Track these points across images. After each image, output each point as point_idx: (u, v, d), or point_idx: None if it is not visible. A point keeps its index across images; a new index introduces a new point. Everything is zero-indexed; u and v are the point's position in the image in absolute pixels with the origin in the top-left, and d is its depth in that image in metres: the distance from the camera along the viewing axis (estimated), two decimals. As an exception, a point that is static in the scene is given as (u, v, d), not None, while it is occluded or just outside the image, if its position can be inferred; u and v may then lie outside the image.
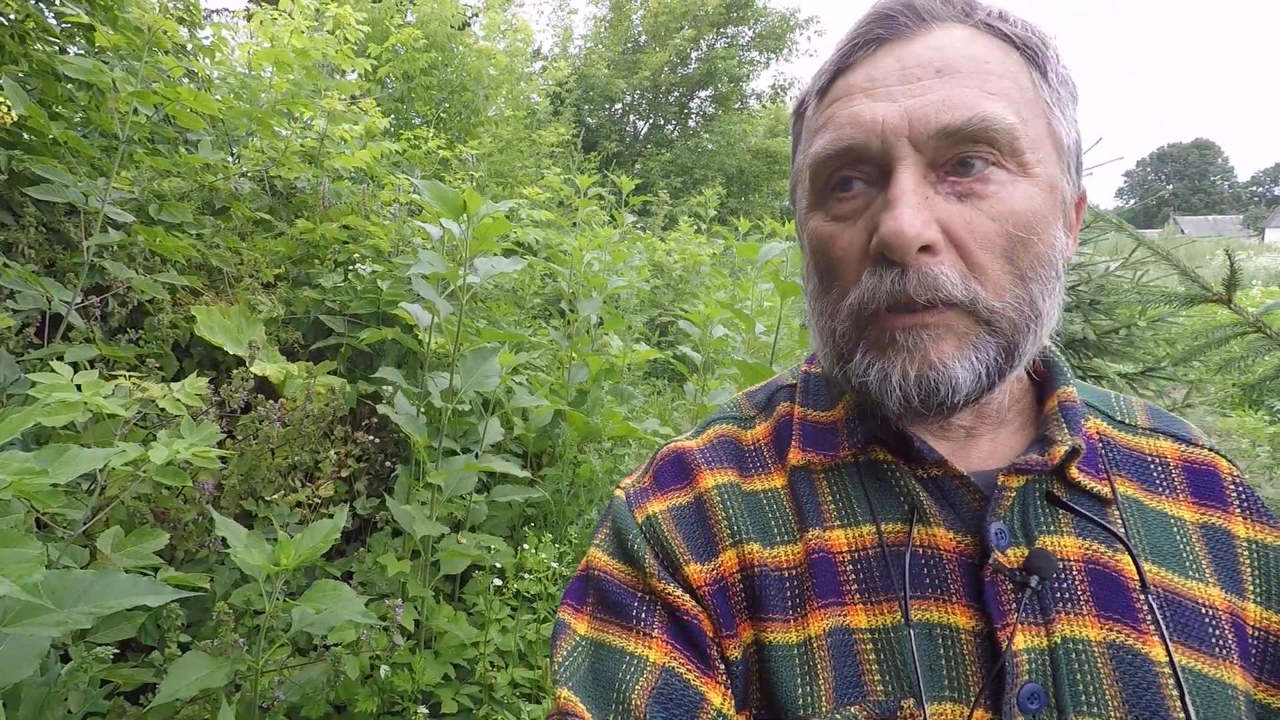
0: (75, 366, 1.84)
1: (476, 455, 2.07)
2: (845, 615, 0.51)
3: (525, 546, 2.09)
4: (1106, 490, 0.54)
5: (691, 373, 3.37)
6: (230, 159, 2.74)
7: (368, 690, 1.75)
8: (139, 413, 1.51)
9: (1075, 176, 0.54)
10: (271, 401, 1.91)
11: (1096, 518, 0.53)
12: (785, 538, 0.54)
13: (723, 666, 0.52)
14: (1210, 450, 0.59)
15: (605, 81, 11.11)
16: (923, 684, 0.47)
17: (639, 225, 5.94)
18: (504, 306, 3.52)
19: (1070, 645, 0.48)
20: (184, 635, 1.52)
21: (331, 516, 2.16)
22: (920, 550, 0.51)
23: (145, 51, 1.70)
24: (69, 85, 2.16)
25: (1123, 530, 0.53)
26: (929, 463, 0.53)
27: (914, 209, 0.46)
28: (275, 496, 2.04)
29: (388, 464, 2.56)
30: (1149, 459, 0.58)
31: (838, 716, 0.48)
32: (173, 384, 1.20)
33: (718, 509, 0.56)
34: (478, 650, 1.97)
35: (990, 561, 0.49)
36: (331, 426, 2.38)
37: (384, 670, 1.72)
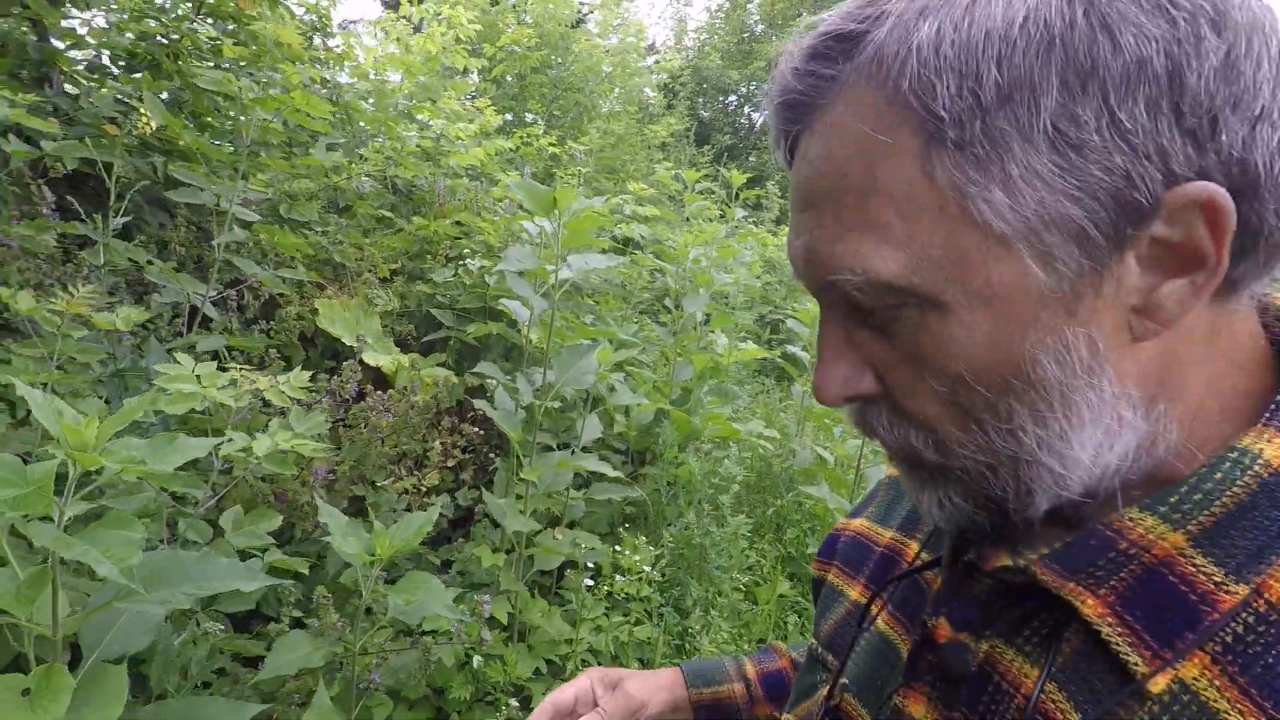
0: (215, 356, 2.00)
1: (573, 451, 2.07)
2: (874, 606, 0.56)
3: (617, 549, 2.06)
4: (1138, 666, 0.36)
5: (800, 373, 3.23)
6: (355, 159, 2.88)
7: (462, 677, 1.79)
8: (261, 401, 1.61)
9: (1109, 229, 0.35)
10: (381, 392, 1.99)
11: (1083, 680, 0.38)
12: (888, 522, 0.63)
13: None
14: None
15: (718, 73, 10.98)
16: (853, 678, 0.54)
17: (751, 220, 5.82)
18: (612, 301, 3.52)
19: None
20: (297, 611, 1.61)
21: (437, 504, 2.22)
22: (924, 585, 0.53)
23: (266, 61, 1.81)
24: (216, 96, 2.35)
25: None
26: None
27: (830, 363, 0.42)
28: (385, 483, 2.13)
29: (492, 455, 2.62)
30: None
31: (821, 652, 0.61)
32: (279, 376, 1.26)
33: (881, 492, 0.67)
34: (570, 647, 1.97)
35: (924, 621, 0.47)
36: (439, 417, 2.46)
37: (477, 660, 1.74)
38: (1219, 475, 0.37)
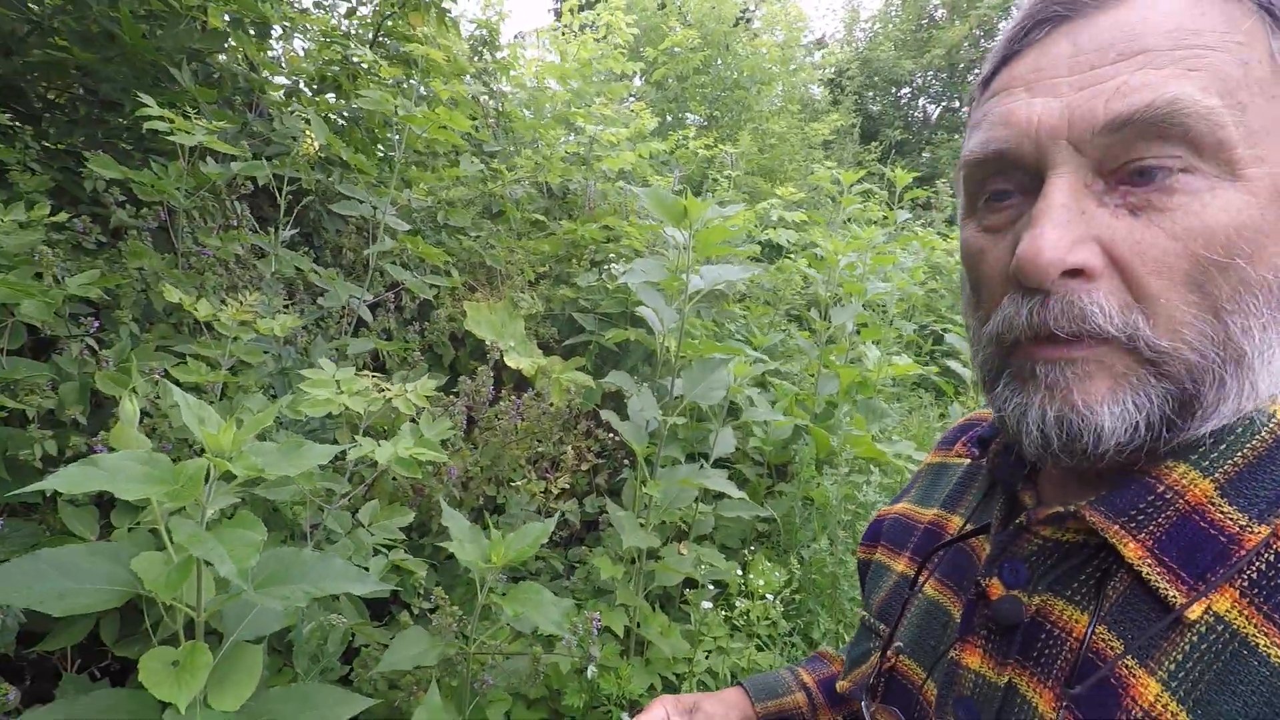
0: (375, 356, 2.16)
1: (701, 466, 2.01)
2: (921, 575, 0.60)
3: (739, 573, 1.98)
4: (1176, 597, 0.41)
5: (958, 393, 2.95)
6: (509, 165, 3.01)
7: (577, 685, 1.80)
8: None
9: None
10: (514, 396, 2.05)
11: (1130, 619, 0.42)
12: (929, 502, 0.67)
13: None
14: None
15: (891, 64, 10.37)
16: (906, 640, 0.59)
17: (920, 221, 5.43)
18: (759, 308, 3.43)
19: (1017, 697, 0.47)
20: (426, 603, 1.70)
21: (557, 514, 2.25)
22: (968, 549, 0.57)
23: (418, 77, 1.92)
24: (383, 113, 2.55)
25: (1179, 658, 0.40)
26: (1020, 484, 0.53)
27: (1059, 227, 0.39)
28: (520, 483, 2.20)
29: (626, 461, 2.64)
30: None
31: (873, 621, 0.66)
32: (408, 384, 1.32)
33: (920, 479, 0.73)
34: (688, 667, 1.93)
35: (977, 581, 0.51)
36: (575, 420, 2.51)
37: (590, 671, 1.75)
38: (1240, 429, 0.42)
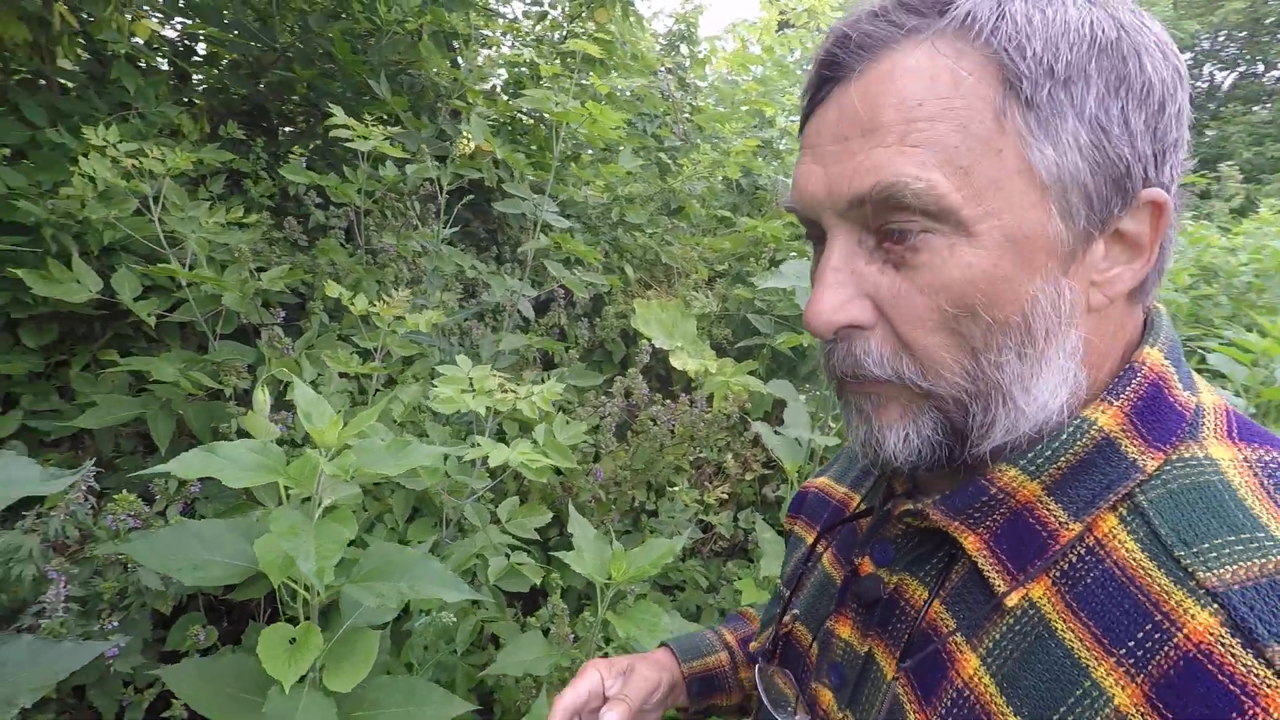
0: (545, 354, 2.21)
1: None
2: (821, 547, 0.67)
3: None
4: (1001, 585, 0.46)
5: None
6: (687, 161, 2.93)
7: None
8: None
9: (1099, 204, 0.43)
10: (668, 400, 1.97)
11: (964, 600, 0.48)
12: (843, 480, 0.72)
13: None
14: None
15: (1170, 25, 8.72)
16: (802, 608, 0.65)
17: (1193, 214, 4.46)
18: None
19: (873, 665, 0.53)
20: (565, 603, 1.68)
21: (720, 520, 2.12)
22: (858, 529, 0.62)
23: (575, 75, 1.89)
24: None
25: (996, 637, 0.46)
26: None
27: (831, 288, 0.45)
28: (676, 489, 2.12)
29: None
30: (1138, 605, 0.41)
31: (781, 587, 0.72)
32: (536, 385, 1.28)
33: (843, 451, 0.78)
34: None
35: (851, 559, 0.58)
36: (744, 427, 2.37)
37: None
38: (1064, 437, 0.46)
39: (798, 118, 0.50)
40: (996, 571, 0.46)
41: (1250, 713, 0.34)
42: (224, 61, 2.30)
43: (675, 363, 2.38)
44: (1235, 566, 0.38)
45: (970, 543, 0.48)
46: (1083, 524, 0.44)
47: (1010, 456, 0.47)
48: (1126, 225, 0.44)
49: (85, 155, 1.37)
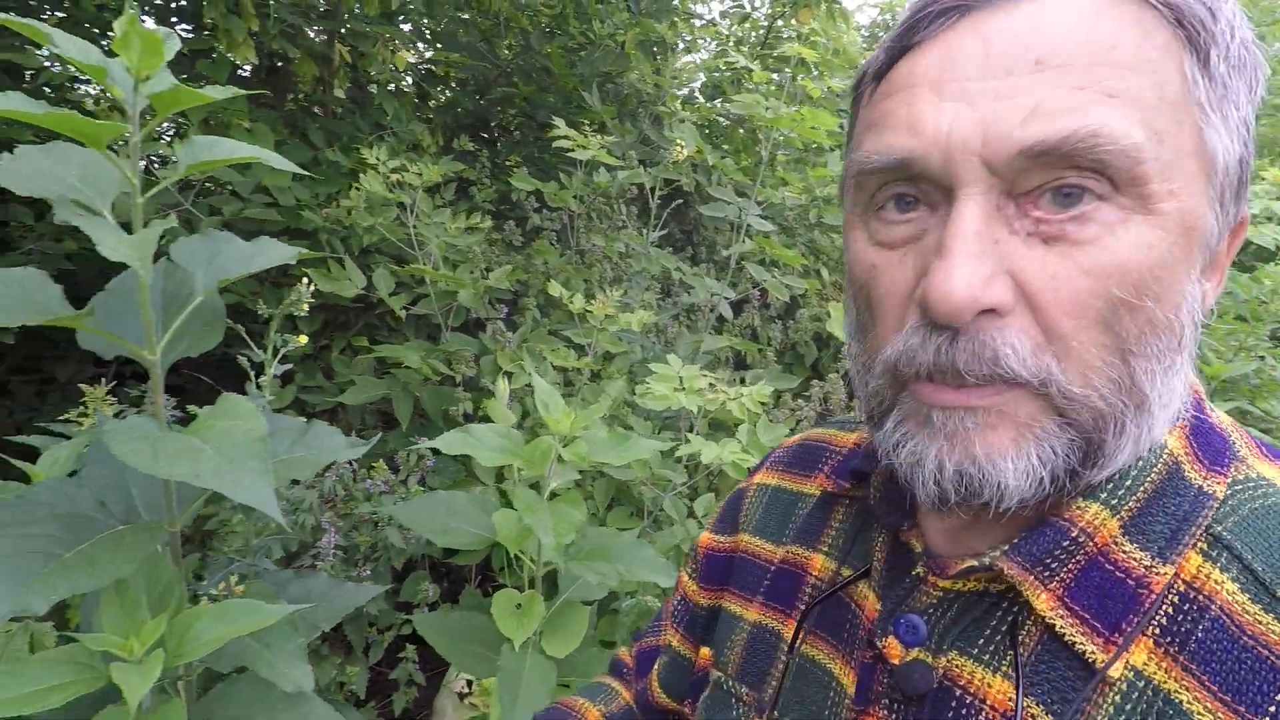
0: (737, 354, 2.24)
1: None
2: (782, 624, 0.54)
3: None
4: (1096, 653, 0.37)
5: None
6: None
7: None
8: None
9: (1234, 204, 0.39)
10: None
11: (1048, 679, 0.38)
12: (778, 538, 0.58)
13: (676, 604, 0.67)
14: None
15: None
16: (779, 708, 0.51)
17: None
18: (1227, 324, 2.63)
19: None
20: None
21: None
22: (849, 601, 0.50)
23: (799, 73, 1.88)
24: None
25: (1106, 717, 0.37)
26: (904, 525, 0.46)
27: (973, 261, 0.34)
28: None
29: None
30: (1263, 658, 0.35)
31: (733, 685, 0.56)
32: (745, 388, 1.31)
33: (745, 501, 0.63)
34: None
35: (873, 644, 0.45)
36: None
37: None
38: (1140, 463, 0.40)
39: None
40: (1084, 635, 0.38)
41: None
42: (454, 81, 2.56)
43: (871, 368, 2.31)
44: None
45: (1043, 602, 0.39)
46: (1173, 566, 0.38)
47: (1085, 490, 0.40)
48: (1223, 243, 0.40)
49: (363, 172, 1.60)
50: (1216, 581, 0.37)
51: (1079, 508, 0.40)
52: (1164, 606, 0.38)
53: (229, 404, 0.75)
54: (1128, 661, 0.37)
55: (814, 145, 2.45)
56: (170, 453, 0.66)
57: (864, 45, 3.09)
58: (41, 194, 0.77)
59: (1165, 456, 0.41)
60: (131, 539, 0.76)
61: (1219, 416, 0.44)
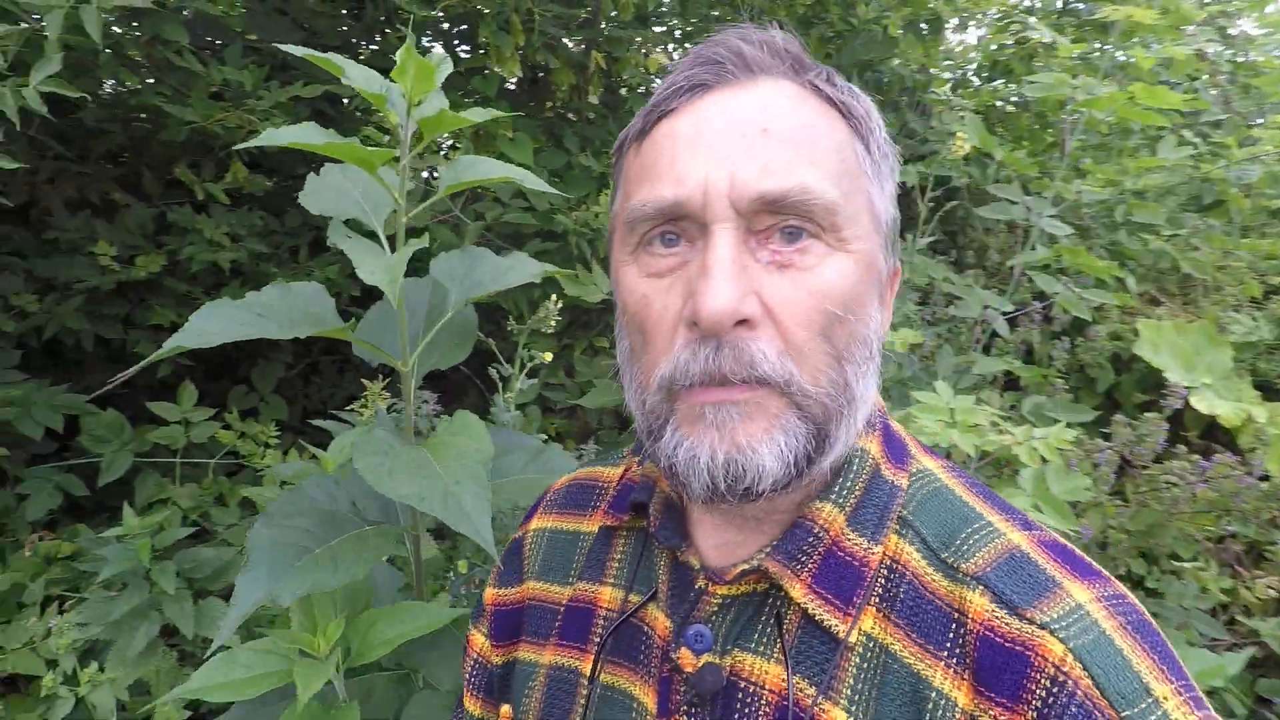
0: (1010, 376, 1.91)
1: None
2: (580, 661, 0.57)
3: None
4: (839, 625, 0.47)
5: None
6: (1241, 139, 2.22)
7: None
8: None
9: (892, 253, 0.52)
10: (1197, 456, 1.50)
11: (808, 655, 0.48)
12: (564, 579, 0.62)
13: (470, 671, 0.68)
14: (1045, 630, 0.43)
15: None
16: None
17: None
18: None
19: None
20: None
21: (1269, 629, 1.61)
22: (641, 625, 0.55)
23: (1119, 41, 1.51)
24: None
25: (851, 682, 0.47)
26: (680, 548, 0.54)
27: (730, 280, 0.43)
28: (1188, 566, 1.64)
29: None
30: (940, 608, 0.47)
31: None
32: (1038, 430, 1.06)
33: (525, 549, 0.66)
34: None
35: (669, 658, 0.51)
36: (1302, 502, 1.71)
37: None
38: (855, 466, 0.51)
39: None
40: (828, 612, 0.47)
41: (1035, 662, 0.42)
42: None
43: (1197, 403, 1.84)
44: (980, 553, 0.47)
45: (797, 590, 0.48)
46: (881, 546, 0.49)
47: (820, 492, 0.50)
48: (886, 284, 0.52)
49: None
50: (907, 554, 0.49)
51: (816, 508, 0.49)
52: (879, 579, 0.48)
53: (463, 421, 0.78)
54: (860, 628, 0.47)
55: (1128, 128, 2.01)
56: (403, 471, 0.69)
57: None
58: (329, 213, 0.82)
59: (870, 461, 0.51)
60: (375, 541, 0.79)
61: (895, 424, 0.56)
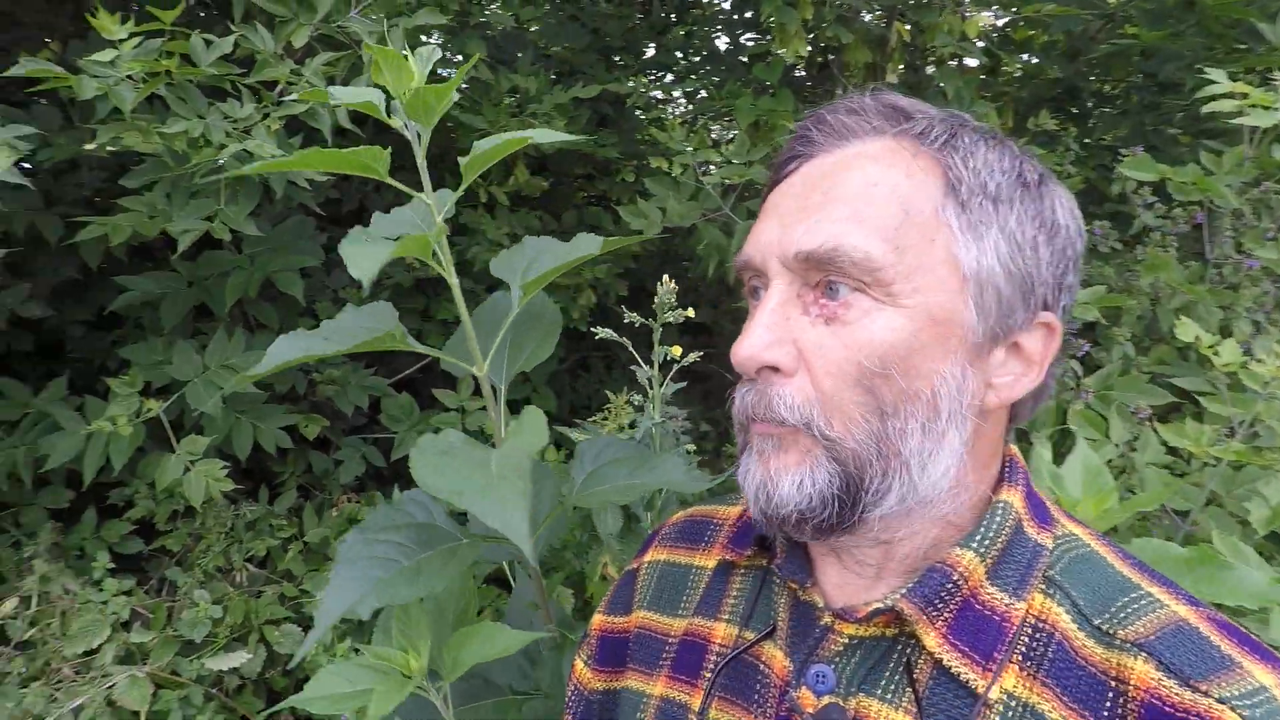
0: None
1: None
2: (690, 696, 0.58)
3: None
4: (978, 680, 0.46)
5: None
6: None
7: None
8: None
9: (1004, 309, 0.48)
10: None
11: (942, 708, 0.47)
12: (675, 611, 0.63)
13: (575, 702, 0.69)
14: (1224, 705, 0.40)
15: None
16: None
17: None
18: None
19: None
20: None
21: None
22: (756, 663, 0.55)
23: None
24: None
25: None
26: (805, 585, 0.54)
27: (762, 329, 0.48)
28: None
29: None
30: (1093, 674, 0.45)
31: None
32: None
33: (638, 580, 0.67)
34: None
35: (787, 698, 0.51)
36: None
37: None
38: (998, 519, 0.50)
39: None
40: (966, 665, 0.46)
41: None
42: (1039, 45, 2.04)
43: None
44: (1140, 622, 0.45)
45: (931, 639, 0.47)
46: (1025, 603, 0.47)
47: (961, 540, 0.49)
48: (1024, 340, 0.49)
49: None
50: (1055, 614, 0.47)
51: (956, 555, 0.49)
52: (1022, 636, 0.47)
53: (528, 417, 0.76)
54: (1001, 685, 0.46)
55: None
56: (455, 470, 0.68)
57: None
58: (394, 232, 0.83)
59: (1013, 514, 0.51)
60: (465, 553, 0.77)
61: (1034, 487, 0.55)
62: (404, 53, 0.72)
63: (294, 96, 1.52)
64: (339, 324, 0.78)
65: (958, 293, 0.47)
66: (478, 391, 2.06)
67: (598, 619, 0.69)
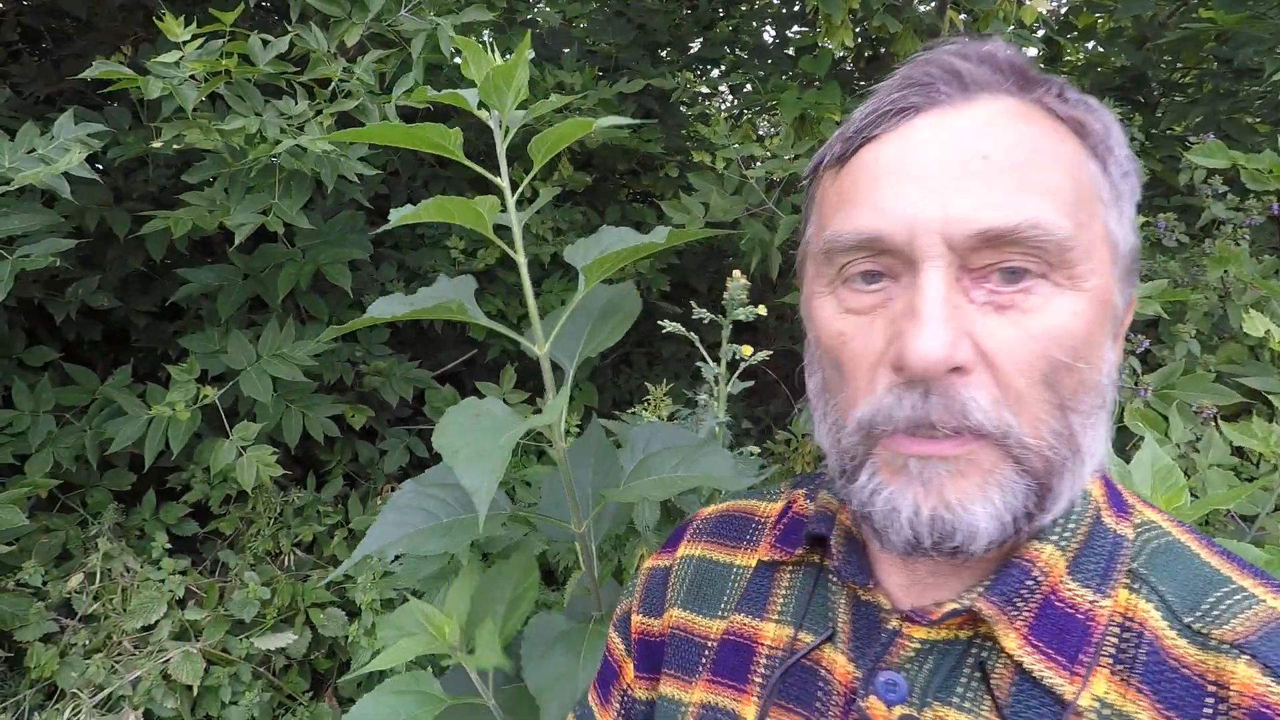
0: None
1: None
2: (736, 701, 0.53)
3: None
4: (1065, 686, 0.41)
5: None
6: None
7: None
8: None
9: (1129, 285, 0.47)
10: None
11: (1027, 718, 0.42)
12: (713, 611, 0.58)
13: (618, 703, 0.63)
14: None
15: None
16: None
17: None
18: None
19: None
20: None
21: None
22: (816, 667, 0.51)
23: None
24: None
25: None
26: (869, 584, 0.49)
27: (942, 323, 0.40)
28: None
29: None
30: (1188, 678, 0.41)
31: None
32: None
33: (674, 576, 0.62)
34: None
35: (855, 708, 0.47)
36: None
37: None
38: (1077, 508, 0.46)
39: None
40: (1051, 670, 0.42)
41: None
42: (1104, 31, 1.95)
43: None
44: (1236, 620, 0.40)
45: (1011, 641, 0.43)
46: (1110, 600, 0.43)
47: (1036, 531, 0.44)
48: (1125, 318, 0.46)
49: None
50: (1144, 611, 0.43)
51: (1035, 549, 0.44)
52: (1110, 637, 0.42)
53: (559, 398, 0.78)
54: (1092, 691, 0.41)
55: None
56: (467, 430, 0.68)
57: None
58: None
59: (1092, 504, 0.47)
60: (492, 520, 0.80)
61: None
62: (485, 40, 0.79)
63: (348, 93, 1.56)
64: (425, 291, 0.84)
65: (1110, 271, 0.43)
66: (519, 385, 2.08)
67: (636, 620, 0.64)
